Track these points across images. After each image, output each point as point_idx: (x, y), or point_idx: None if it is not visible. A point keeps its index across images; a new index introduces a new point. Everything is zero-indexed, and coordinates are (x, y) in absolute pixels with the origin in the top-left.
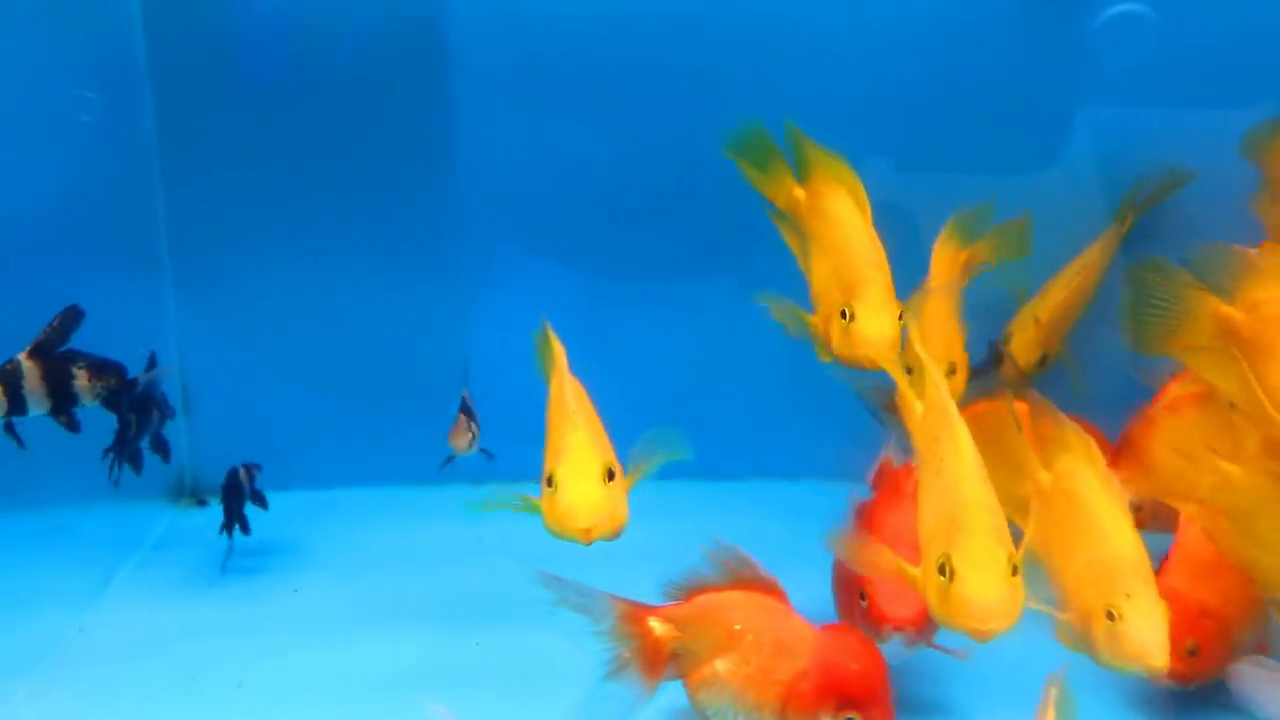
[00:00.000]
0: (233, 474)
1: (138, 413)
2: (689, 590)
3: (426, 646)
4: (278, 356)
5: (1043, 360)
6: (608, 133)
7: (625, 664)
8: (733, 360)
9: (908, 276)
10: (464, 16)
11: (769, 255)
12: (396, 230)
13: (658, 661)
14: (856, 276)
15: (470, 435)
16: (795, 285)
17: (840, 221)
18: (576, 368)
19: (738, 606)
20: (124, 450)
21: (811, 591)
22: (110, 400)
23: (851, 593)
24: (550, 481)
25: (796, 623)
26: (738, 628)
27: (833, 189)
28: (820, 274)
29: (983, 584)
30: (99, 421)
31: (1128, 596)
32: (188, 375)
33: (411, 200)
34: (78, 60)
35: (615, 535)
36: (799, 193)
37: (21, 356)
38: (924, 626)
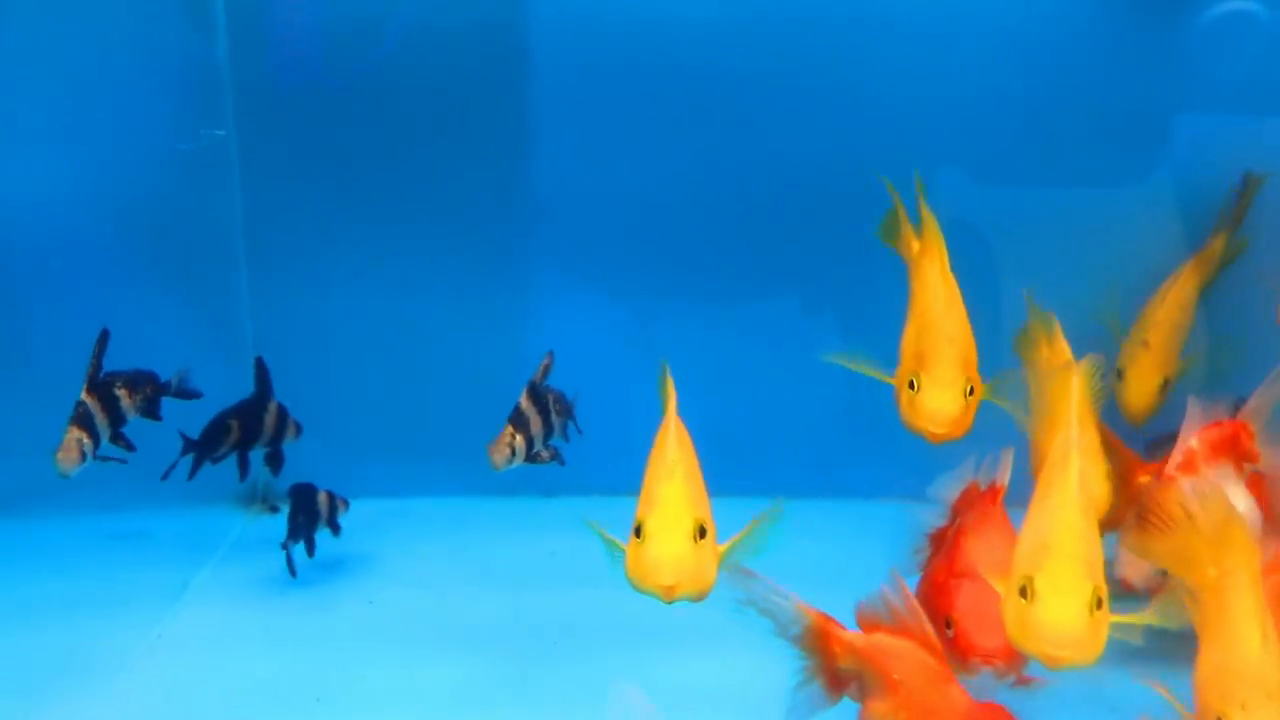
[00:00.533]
0: (307, 491)
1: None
2: (873, 622)
3: (504, 665)
4: (350, 363)
5: (1164, 386)
6: (684, 144)
7: (811, 677)
8: (798, 377)
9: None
10: (542, 27)
11: (835, 274)
12: (470, 239)
13: (838, 682)
14: (930, 346)
15: (509, 451)
16: (860, 307)
17: (930, 286)
18: (638, 380)
19: (903, 658)
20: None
21: None
22: (148, 409)
23: (937, 621)
24: (639, 531)
25: (954, 692)
26: (896, 678)
27: (936, 252)
28: (907, 335)
29: (1063, 609)
30: (169, 426)
31: (1242, 708)
32: None
33: (485, 209)
34: (161, 69)
35: (701, 597)
36: (916, 246)
37: (84, 396)
38: (1014, 659)
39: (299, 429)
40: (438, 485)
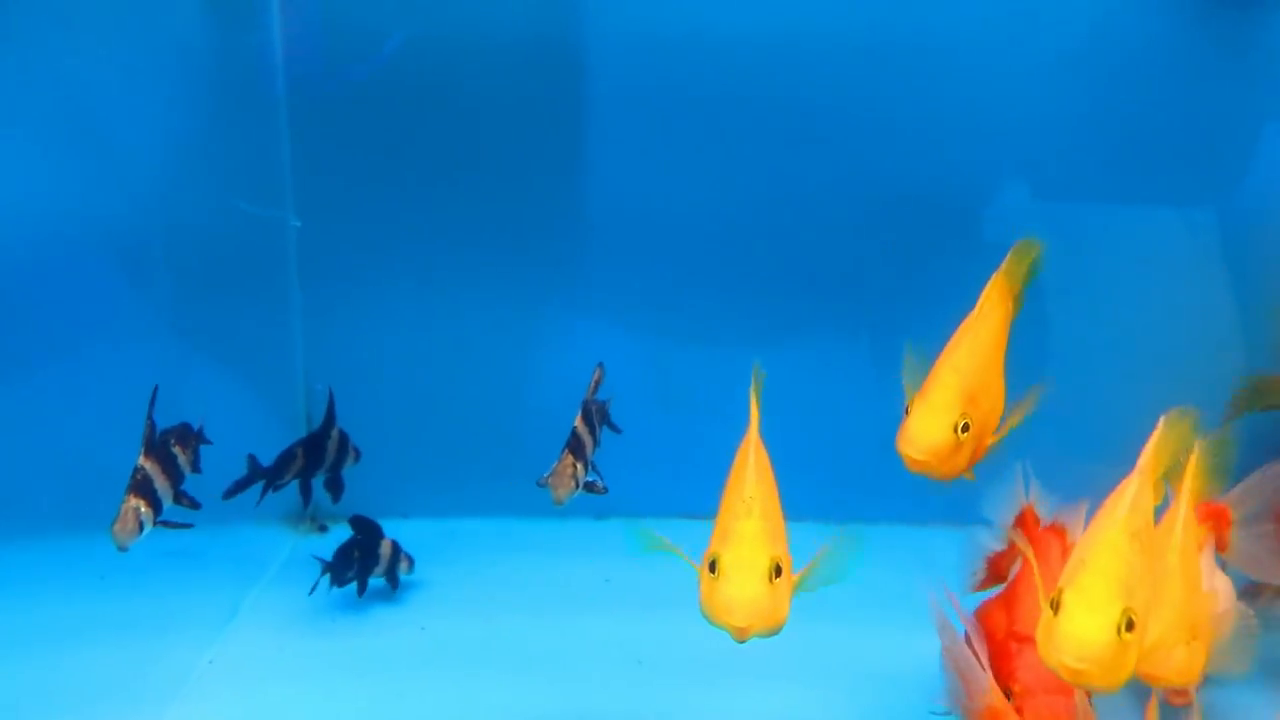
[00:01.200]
0: (370, 530)
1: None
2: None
3: (562, 695)
4: (400, 382)
5: None
6: (740, 164)
7: None
8: (853, 400)
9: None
10: (600, 43)
11: (894, 298)
12: (522, 258)
13: None
14: (934, 372)
15: (573, 483)
16: (916, 333)
17: (968, 320)
18: (692, 402)
19: None
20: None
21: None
22: (195, 463)
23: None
24: (713, 566)
25: None
26: None
27: (989, 291)
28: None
29: (1087, 624)
30: (219, 445)
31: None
32: (311, 398)
33: (541, 227)
34: (215, 83)
35: (774, 634)
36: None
37: (141, 460)
38: None
39: (358, 454)
40: (487, 506)
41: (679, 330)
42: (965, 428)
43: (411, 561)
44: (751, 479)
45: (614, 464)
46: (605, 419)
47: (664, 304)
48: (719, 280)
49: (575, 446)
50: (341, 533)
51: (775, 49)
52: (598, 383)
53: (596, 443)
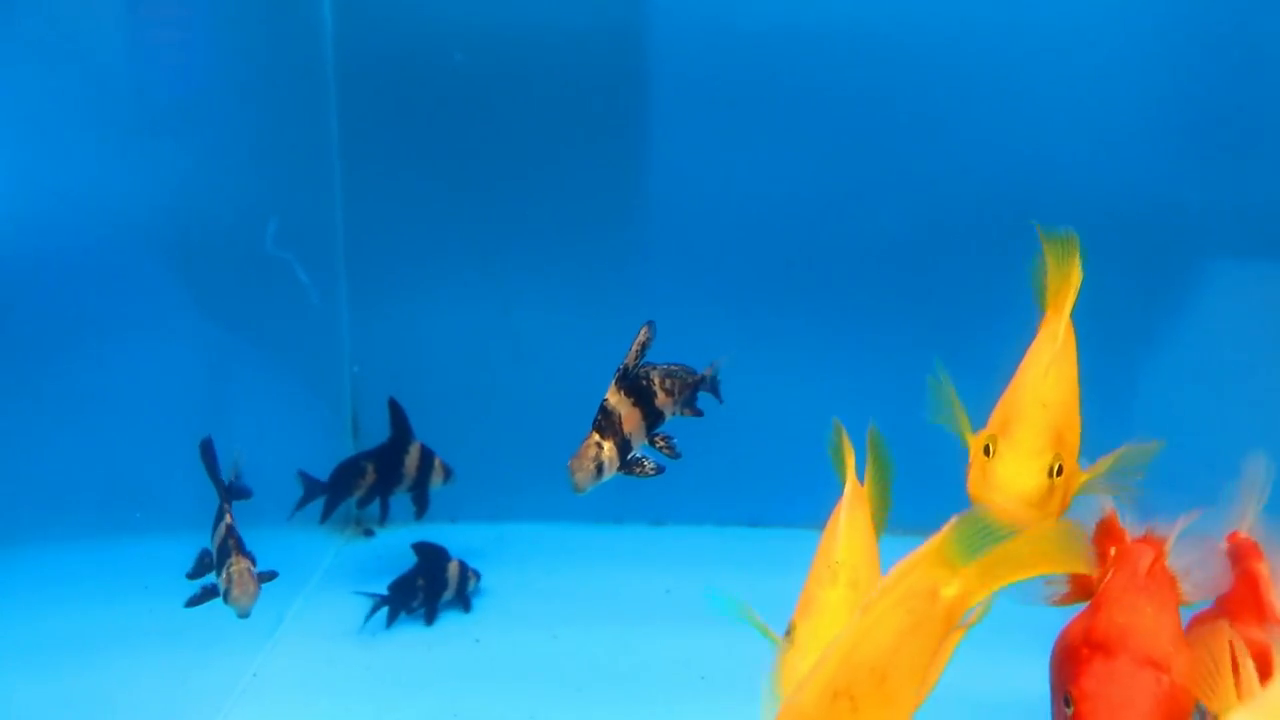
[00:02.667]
0: (436, 555)
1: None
2: None
3: (623, 714)
4: (452, 380)
5: None
6: (807, 159)
7: None
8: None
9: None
10: (666, 31)
11: (960, 305)
12: (581, 253)
13: None
14: (1017, 410)
15: (593, 467)
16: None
17: (1040, 345)
18: (756, 404)
19: None
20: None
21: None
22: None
23: (1057, 688)
24: (790, 634)
25: None
26: None
27: (1057, 314)
28: (1002, 398)
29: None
30: (264, 443)
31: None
32: (359, 397)
33: (597, 222)
34: (264, 68)
35: None
36: (1051, 309)
37: (227, 518)
38: None
39: (448, 472)
40: (539, 510)
41: (741, 331)
42: (1059, 470)
43: (478, 575)
44: (841, 543)
45: (673, 470)
46: (703, 386)
47: (726, 304)
48: (784, 280)
49: (604, 423)
50: (387, 537)
51: (843, 44)
52: (642, 345)
53: (659, 416)
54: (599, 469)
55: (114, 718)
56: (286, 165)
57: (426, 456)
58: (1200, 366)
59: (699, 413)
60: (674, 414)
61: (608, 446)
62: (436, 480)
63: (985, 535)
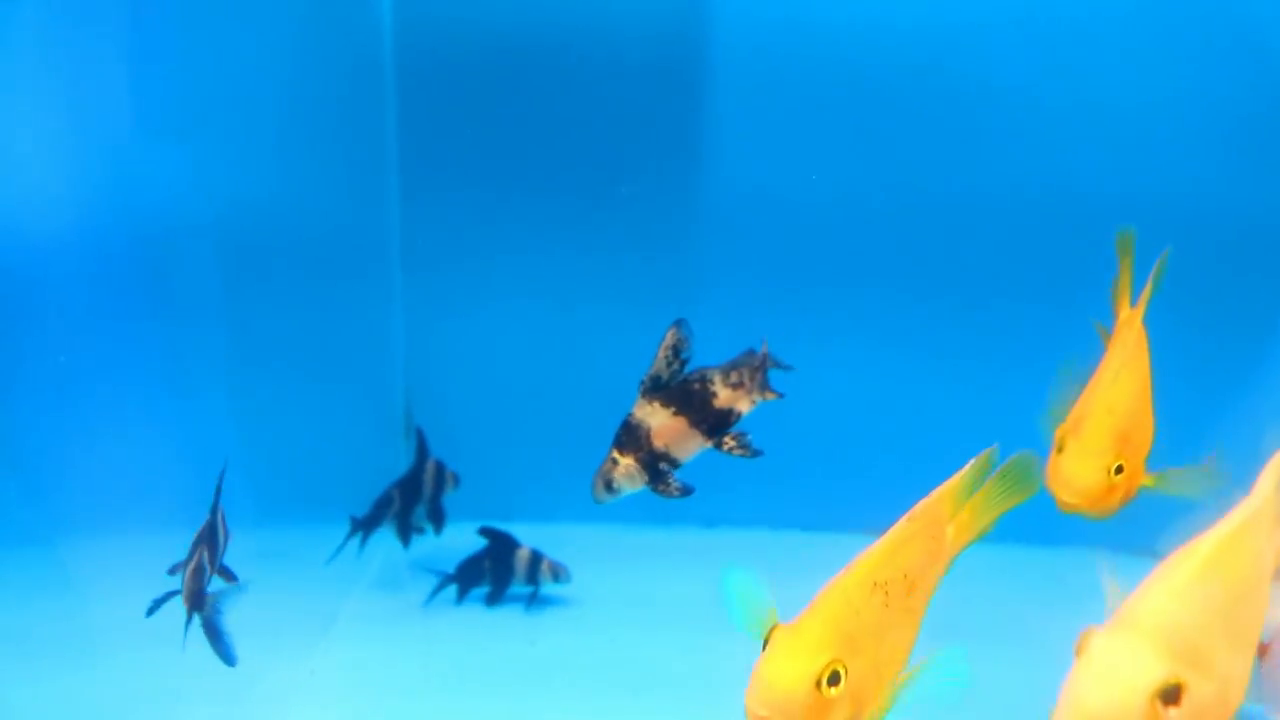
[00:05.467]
0: (505, 543)
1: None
2: None
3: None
4: (505, 381)
5: None
6: (866, 158)
7: None
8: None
9: None
10: (719, 31)
11: (1024, 308)
12: (636, 250)
13: None
14: (1087, 412)
15: (605, 485)
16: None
17: (1112, 354)
18: (812, 404)
19: None
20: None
21: None
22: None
23: None
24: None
25: None
26: None
27: (1130, 322)
28: (1080, 400)
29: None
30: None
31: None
32: (412, 396)
33: (654, 227)
34: (322, 68)
35: None
36: (1125, 314)
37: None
38: None
39: (457, 480)
40: (592, 511)
41: (799, 330)
42: (1119, 469)
43: (558, 570)
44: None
45: (726, 471)
46: (762, 371)
47: (786, 302)
48: (845, 278)
49: (624, 439)
50: (444, 535)
51: (904, 42)
52: (672, 349)
53: (718, 417)
54: (609, 485)
55: (178, 710)
56: (344, 167)
57: (439, 470)
58: None
59: (779, 394)
60: (754, 405)
61: (624, 463)
62: (449, 489)
63: (976, 483)
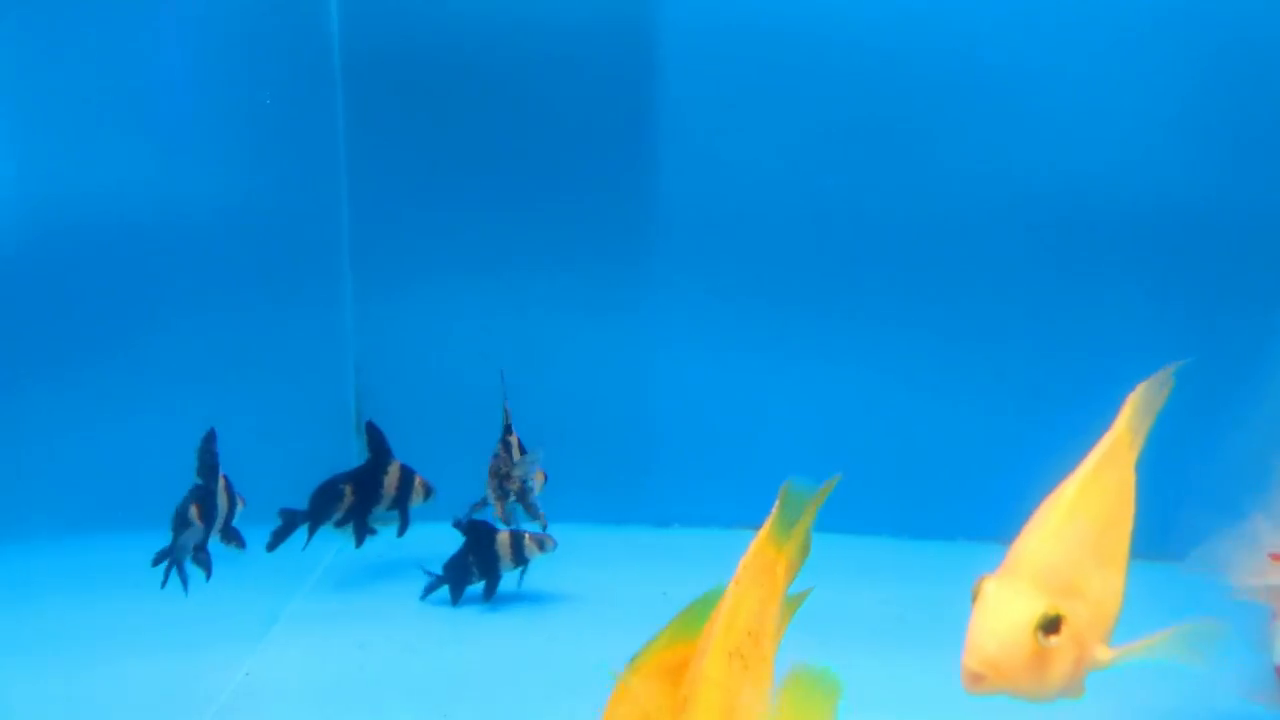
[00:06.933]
0: (478, 529)
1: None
2: None
3: None
4: (459, 379)
5: None
6: (817, 160)
7: None
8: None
9: None
10: (671, 28)
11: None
12: (588, 256)
13: None
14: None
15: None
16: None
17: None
18: (763, 407)
19: None
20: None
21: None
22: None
23: None
24: None
25: None
26: None
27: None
28: None
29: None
30: (260, 440)
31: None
32: (362, 392)
33: (609, 223)
34: (269, 67)
35: None
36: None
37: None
38: None
39: (429, 490)
40: (546, 509)
41: (749, 331)
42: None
43: (544, 541)
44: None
45: (681, 472)
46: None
47: (735, 304)
48: (794, 281)
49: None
50: (390, 533)
51: (855, 44)
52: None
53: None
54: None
55: (103, 713)
56: (292, 164)
57: (406, 475)
58: None
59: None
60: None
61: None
62: (417, 498)
63: (792, 518)
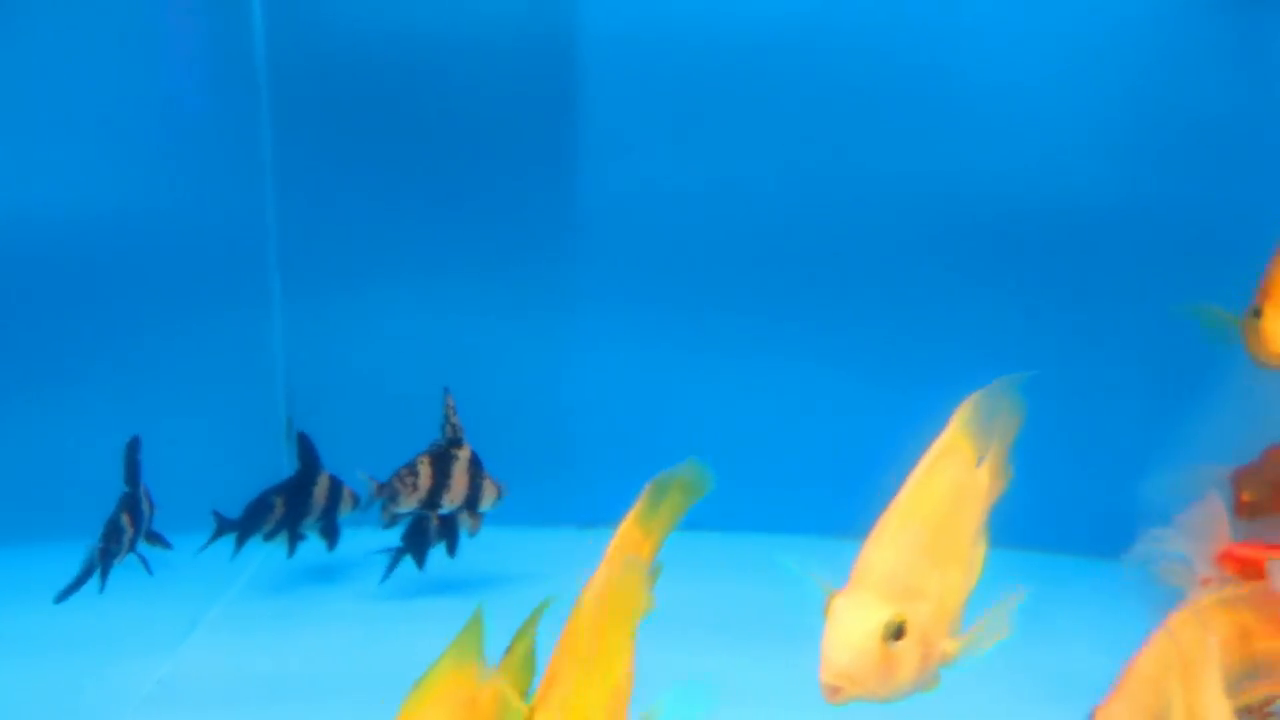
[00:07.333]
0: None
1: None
2: None
3: None
4: (388, 384)
5: None
6: (737, 163)
7: None
8: (850, 409)
9: None
10: (594, 38)
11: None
12: (514, 261)
13: None
14: (1273, 276)
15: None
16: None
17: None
18: (693, 407)
19: None
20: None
21: None
22: None
23: None
24: None
25: None
26: None
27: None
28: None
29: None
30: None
31: None
32: (293, 397)
33: (537, 228)
34: (197, 81)
35: None
36: None
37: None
38: None
39: (356, 500)
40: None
41: (671, 334)
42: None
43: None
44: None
45: (606, 473)
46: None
47: (657, 309)
48: (714, 284)
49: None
50: (316, 541)
51: (769, 47)
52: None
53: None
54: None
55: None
56: (216, 169)
57: (335, 486)
58: None
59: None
60: None
61: None
62: (345, 508)
63: (661, 500)
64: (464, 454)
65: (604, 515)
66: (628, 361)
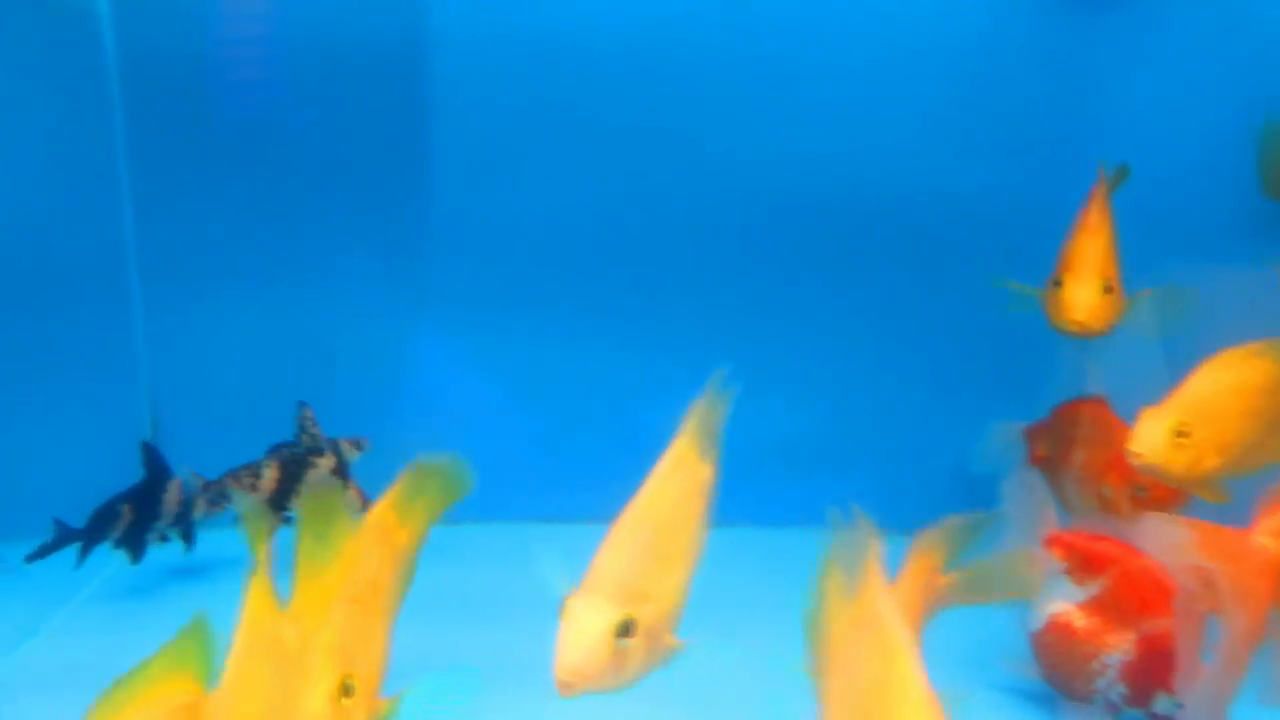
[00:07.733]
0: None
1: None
2: None
3: None
4: (251, 388)
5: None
6: (593, 170)
7: None
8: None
9: None
10: (446, 42)
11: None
12: (376, 262)
13: None
14: (1072, 251)
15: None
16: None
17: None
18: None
19: None
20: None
21: None
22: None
23: None
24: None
25: None
26: None
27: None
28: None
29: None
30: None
31: None
32: (157, 405)
33: (396, 229)
34: (47, 86)
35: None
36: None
37: None
38: None
39: (210, 502)
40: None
41: (531, 335)
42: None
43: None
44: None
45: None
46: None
47: (517, 310)
48: (570, 283)
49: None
50: (178, 544)
51: (627, 54)
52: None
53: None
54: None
55: None
56: (68, 173)
57: (186, 491)
58: None
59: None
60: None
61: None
62: (199, 511)
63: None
64: (325, 462)
65: (468, 512)
66: (484, 358)
